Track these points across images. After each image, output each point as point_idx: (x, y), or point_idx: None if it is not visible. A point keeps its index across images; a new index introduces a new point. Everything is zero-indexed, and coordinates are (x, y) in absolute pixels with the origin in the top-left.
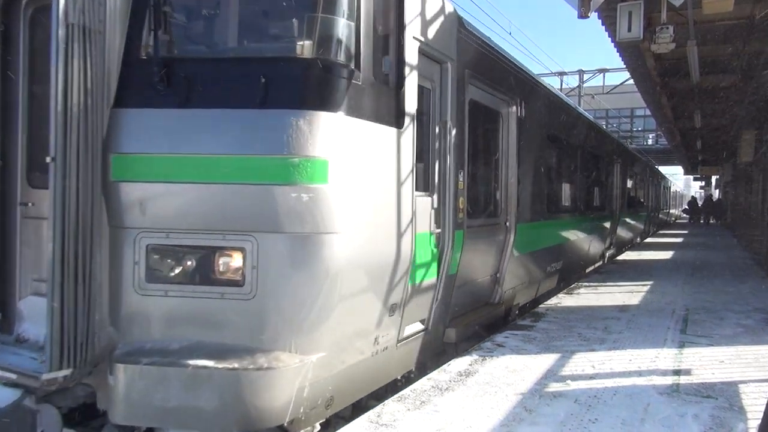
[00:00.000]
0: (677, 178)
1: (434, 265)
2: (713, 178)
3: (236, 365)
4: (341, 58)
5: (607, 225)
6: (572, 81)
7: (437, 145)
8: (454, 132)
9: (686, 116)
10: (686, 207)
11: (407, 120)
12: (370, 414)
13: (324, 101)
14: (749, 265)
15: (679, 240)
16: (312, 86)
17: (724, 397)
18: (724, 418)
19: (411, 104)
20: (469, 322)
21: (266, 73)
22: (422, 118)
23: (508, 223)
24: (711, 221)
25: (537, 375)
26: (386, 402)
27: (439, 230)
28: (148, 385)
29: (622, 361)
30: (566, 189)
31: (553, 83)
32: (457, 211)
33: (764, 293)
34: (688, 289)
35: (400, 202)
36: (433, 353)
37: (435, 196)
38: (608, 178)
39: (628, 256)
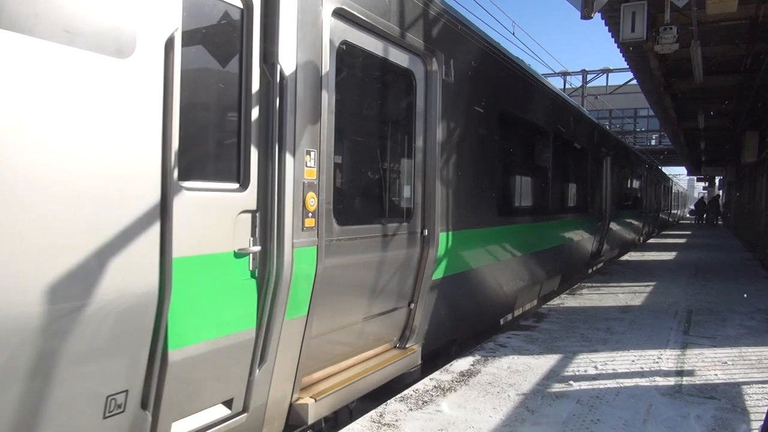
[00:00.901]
0: (681, 179)
1: (248, 307)
2: (717, 179)
3: None
4: None
5: (595, 227)
6: (576, 81)
7: (256, 104)
8: (296, 85)
9: (690, 117)
10: (692, 208)
11: (145, 44)
12: (372, 414)
13: None
14: (753, 266)
15: (681, 241)
16: None
17: (727, 398)
18: (727, 419)
19: (154, 16)
20: (347, 383)
21: None
22: (211, 52)
23: (426, 232)
24: (716, 222)
25: (539, 375)
26: (388, 402)
27: (258, 248)
28: None
29: (625, 362)
30: (531, 185)
31: (556, 83)
32: (303, 214)
33: (767, 294)
34: (690, 290)
35: (120, 200)
36: None
37: (251, 190)
38: (596, 173)
39: (631, 257)
